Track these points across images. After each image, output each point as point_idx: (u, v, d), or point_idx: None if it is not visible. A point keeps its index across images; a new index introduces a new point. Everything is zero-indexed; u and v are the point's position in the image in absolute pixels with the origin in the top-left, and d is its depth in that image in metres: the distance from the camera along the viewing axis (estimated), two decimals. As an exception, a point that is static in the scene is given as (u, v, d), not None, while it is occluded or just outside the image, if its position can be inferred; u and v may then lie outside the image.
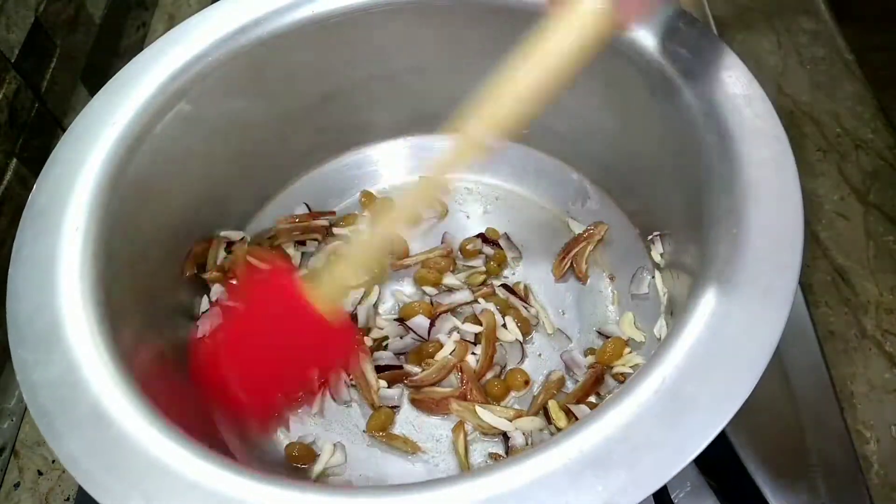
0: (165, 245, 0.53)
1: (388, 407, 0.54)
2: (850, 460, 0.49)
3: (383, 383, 0.54)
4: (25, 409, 0.59)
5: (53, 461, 0.56)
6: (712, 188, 0.43)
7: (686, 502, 0.47)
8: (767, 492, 0.47)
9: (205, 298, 0.58)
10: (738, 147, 0.43)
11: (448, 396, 0.53)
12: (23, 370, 0.39)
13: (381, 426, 0.53)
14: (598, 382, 0.53)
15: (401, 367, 0.55)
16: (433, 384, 0.54)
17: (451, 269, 0.59)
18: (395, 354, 0.56)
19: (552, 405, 0.52)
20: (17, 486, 0.55)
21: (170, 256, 0.54)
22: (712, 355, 0.36)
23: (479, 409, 0.52)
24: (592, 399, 0.53)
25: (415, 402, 0.54)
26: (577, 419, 0.50)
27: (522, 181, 0.64)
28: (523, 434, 0.51)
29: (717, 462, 0.47)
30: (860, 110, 0.69)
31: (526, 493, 0.34)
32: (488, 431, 0.52)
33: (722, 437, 0.34)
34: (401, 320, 0.57)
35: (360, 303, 0.58)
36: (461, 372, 0.54)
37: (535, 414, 0.52)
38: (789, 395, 0.51)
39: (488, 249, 0.60)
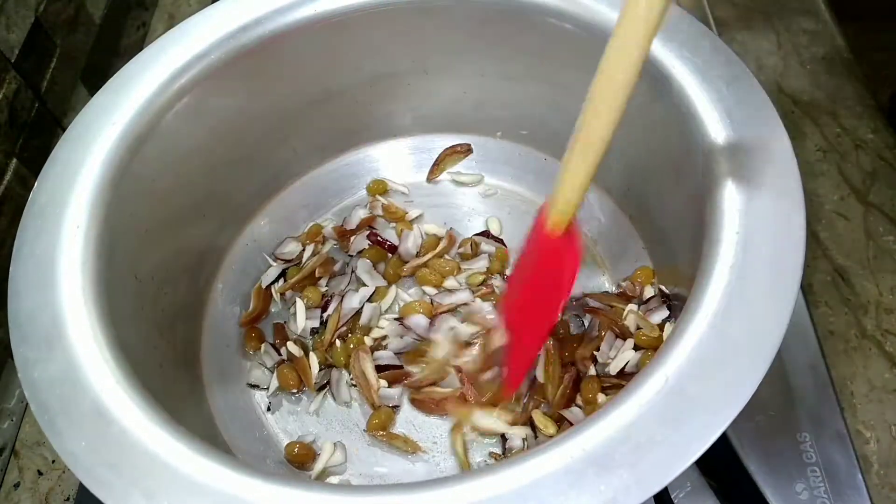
0: (166, 243, 0.53)
1: (389, 406, 0.54)
2: (850, 460, 0.49)
3: (383, 383, 0.54)
4: (25, 409, 0.59)
5: (53, 461, 0.56)
6: (713, 189, 0.43)
7: (686, 502, 0.47)
8: (767, 492, 0.47)
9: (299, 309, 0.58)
10: (738, 148, 0.43)
11: (448, 397, 0.53)
12: (24, 368, 0.39)
13: (381, 426, 0.53)
14: (577, 385, 0.53)
15: (401, 367, 0.55)
16: (432, 384, 0.54)
17: (455, 273, 0.59)
18: (395, 354, 0.56)
19: (537, 414, 0.51)
20: (17, 486, 0.55)
21: (170, 254, 0.54)
22: (715, 356, 0.36)
23: (476, 413, 0.52)
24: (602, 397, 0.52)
25: (415, 402, 0.54)
26: (570, 424, 0.50)
27: (522, 181, 0.64)
28: (520, 437, 0.51)
29: (718, 462, 0.47)
30: (860, 110, 0.69)
31: (527, 493, 0.33)
32: (486, 433, 0.52)
33: (722, 438, 0.34)
34: (400, 319, 0.57)
35: (369, 300, 0.58)
36: (460, 372, 0.54)
37: (524, 424, 0.52)
38: (789, 395, 0.51)
39: (489, 247, 0.60)
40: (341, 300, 0.58)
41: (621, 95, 0.34)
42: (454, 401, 0.53)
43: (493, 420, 0.51)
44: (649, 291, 0.55)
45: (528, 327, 0.47)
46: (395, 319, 0.57)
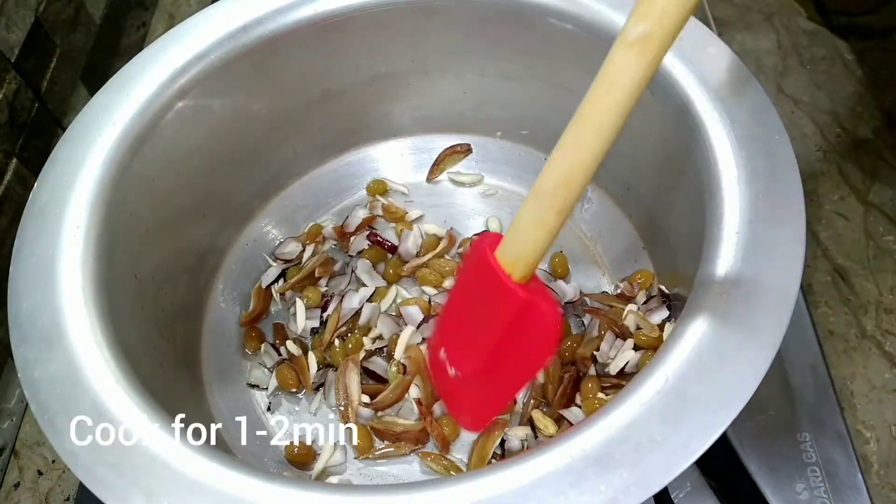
0: (166, 243, 0.53)
1: (364, 426, 0.53)
2: (850, 460, 0.49)
3: (365, 398, 0.54)
4: (25, 409, 0.59)
5: (53, 461, 0.56)
6: (713, 189, 0.43)
7: (686, 502, 0.47)
8: (767, 492, 0.47)
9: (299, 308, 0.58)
10: (738, 148, 0.43)
11: (408, 430, 0.52)
12: (24, 368, 0.39)
13: (366, 448, 0.52)
14: (577, 385, 0.52)
15: (387, 382, 0.54)
16: (392, 404, 0.53)
17: (455, 273, 0.59)
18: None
19: (536, 414, 0.51)
20: (17, 486, 0.55)
21: (170, 254, 0.54)
22: (715, 355, 0.36)
23: (430, 461, 0.51)
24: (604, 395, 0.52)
25: (377, 433, 0.53)
26: (570, 424, 0.50)
27: (522, 181, 0.64)
28: (519, 438, 0.51)
29: (718, 462, 0.47)
30: (860, 110, 0.69)
31: (527, 493, 0.33)
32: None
33: (722, 438, 0.34)
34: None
35: (369, 300, 0.58)
36: (421, 405, 0.53)
37: (524, 424, 0.52)
38: (789, 395, 0.51)
39: None
40: (341, 300, 0.58)
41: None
42: (413, 436, 0.52)
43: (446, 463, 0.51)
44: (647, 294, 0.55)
45: (501, 377, 0.44)
46: (391, 316, 0.57)
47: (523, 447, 0.50)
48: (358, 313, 0.57)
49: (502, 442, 0.51)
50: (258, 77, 0.55)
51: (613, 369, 0.52)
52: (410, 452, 0.52)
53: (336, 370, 0.55)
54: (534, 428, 0.51)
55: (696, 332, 0.37)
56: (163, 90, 0.50)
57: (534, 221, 0.36)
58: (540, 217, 0.36)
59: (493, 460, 0.51)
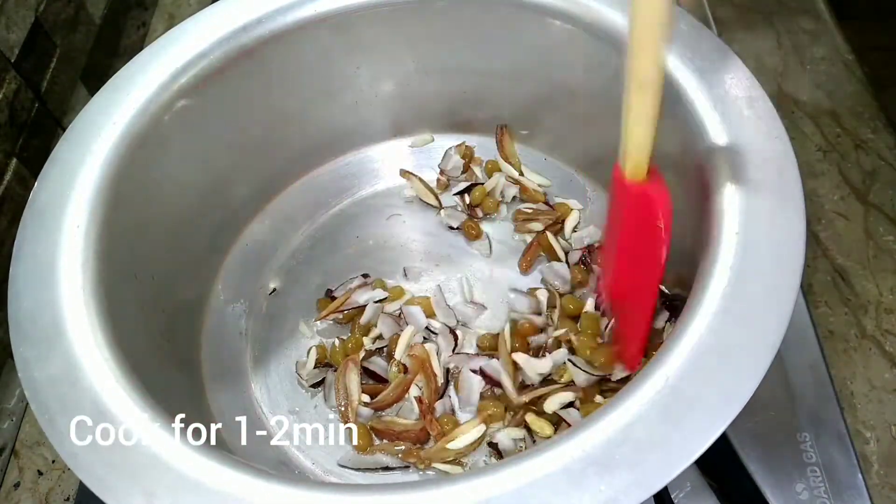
0: (166, 243, 0.53)
1: (364, 425, 0.53)
2: (850, 460, 0.49)
3: (365, 397, 0.54)
4: (25, 409, 0.59)
5: (53, 461, 0.56)
6: (712, 189, 0.43)
7: (686, 502, 0.47)
8: (767, 492, 0.47)
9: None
10: (739, 148, 0.43)
11: (408, 430, 0.52)
12: (24, 368, 0.39)
13: (366, 446, 0.52)
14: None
15: (386, 381, 0.54)
16: (394, 402, 0.53)
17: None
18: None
19: (531, 417, 0.50)
20: (17, 486, 0.55)
21: (170, 254, 0.53)
22: (714, 355, 0.36)
23: (436, 463, 0.51)
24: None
25: (376, 432, 0.53)
26: (568, 425, 0.50)
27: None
28: (512, 439, 0.51)
29: (718, 462, 0.47)
30: (860, 110, 0.69)
31: (526, 493, 0.33)
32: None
33: (722, 438, 0.34)
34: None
35: (380, 301, 0.58)
36: (421, 403, 0.53)
37: (518, 425, 0.51)
38: (789, 395, 0.51)
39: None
40: (353, 291, 0.58)
41: (657, 28, 0.35)
42: (414, 435, 0.52)
43: (444, 465, 0.50)
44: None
45: (637, 290, 0.46)
46: (391, 316, 0.57)
47: (518, 448, 0.50)
48: (362, 310, 0.57)
49: (495, 447, 0.51)
50: (258, 77, 0.55)
51: (613, 369, 0.52)
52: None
53: (336, 370, 0.55)
54: (529, 432, 0.50)
55: (696, 332, 0.37)
56: (163, 90, 0.50)
57: (625, 112, 0.39)
58: (628, 104, 0.39)
59: (492, 460, 0.51)
